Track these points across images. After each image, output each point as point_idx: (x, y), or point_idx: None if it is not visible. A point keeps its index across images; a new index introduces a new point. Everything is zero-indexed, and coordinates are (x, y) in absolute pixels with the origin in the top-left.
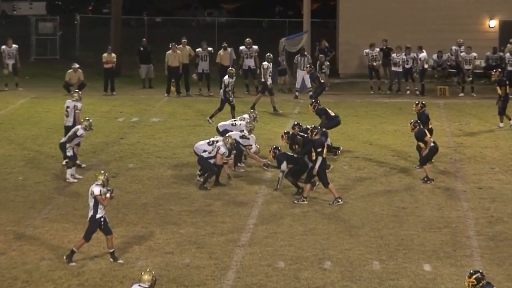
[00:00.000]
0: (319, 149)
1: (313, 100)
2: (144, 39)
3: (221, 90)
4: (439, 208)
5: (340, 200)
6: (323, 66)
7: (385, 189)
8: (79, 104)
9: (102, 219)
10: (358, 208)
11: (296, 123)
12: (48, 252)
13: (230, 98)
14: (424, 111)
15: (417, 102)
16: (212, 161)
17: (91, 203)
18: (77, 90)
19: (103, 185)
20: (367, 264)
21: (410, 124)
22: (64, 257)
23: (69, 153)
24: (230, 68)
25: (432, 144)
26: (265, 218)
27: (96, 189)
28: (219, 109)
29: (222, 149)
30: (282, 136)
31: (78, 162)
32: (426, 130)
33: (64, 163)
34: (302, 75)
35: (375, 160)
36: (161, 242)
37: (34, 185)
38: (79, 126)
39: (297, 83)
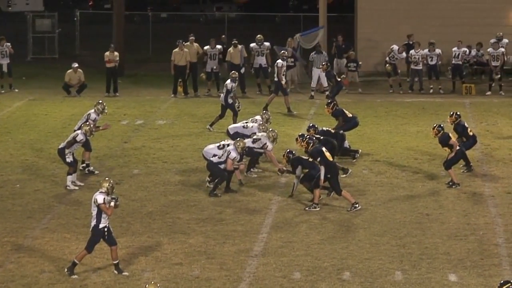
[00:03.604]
0: (318, 158)
1: (330, 101)
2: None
3: (222, 95)
4: (466, 214)
5: (357, 206)
6: (349, 64)
7: (408, 195)
8: (92, 114)
9: (105, 229)
10: (379, 215)
11: (311, 125)
12: (48, 264)
13: (236, 104)
14: (460, 121)
15: (451, 113)
16: (222, 166)
17: (94, 212)
18: (100, 101)
19: (107, 193)
20: (389, 274)
21: (433, 129)
22: (65, 270)
23: (69, 159)
24: (233, 72)
25: (458, 148)
26: (280, 226)
27: (100, 197)
28: (220, 116)
29: (233, 154)
30: (297, 139)
31: (91, 168)
32: (449, 134)
33: (81, 167)
34: (318, 73)
35: (397, 164)
36: (168, 252)
37: (33, 193)
38: (78, 132)
39: (312, 82)
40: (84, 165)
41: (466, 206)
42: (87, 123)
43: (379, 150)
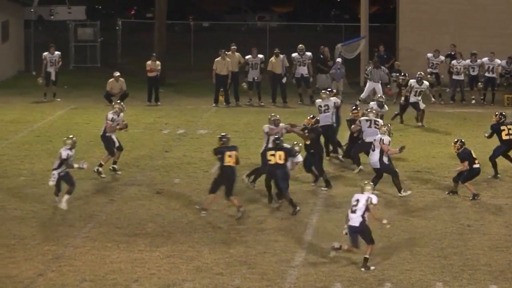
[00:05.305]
0: (219, 156)
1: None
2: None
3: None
4: (507, 225)
5: (240, 213)
6: (393, 74)
7: (449, 205)
8: (109, 115)
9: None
10: (420, 226)
11: (312, 116)
12: (89, 273)
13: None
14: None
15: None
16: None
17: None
18: (118, 101)
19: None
20: (430, 285)
21: (455, 143)
22: (362, 268)
23: (52, 182)
24: (380, 97)
25: (478, 165)
26: (320, 236)
27: (374, 198)
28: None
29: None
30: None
31: (116, 167)
32: (471, 151)
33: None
34: (373, 87)
35: (438, 175)
36: (209, 262)
37: (74, 202)
38: (62, 149)
39: (364, 93)
40: (113, 166)
41: (507, 217)
42: (70, 136)
43: (420, 161)
